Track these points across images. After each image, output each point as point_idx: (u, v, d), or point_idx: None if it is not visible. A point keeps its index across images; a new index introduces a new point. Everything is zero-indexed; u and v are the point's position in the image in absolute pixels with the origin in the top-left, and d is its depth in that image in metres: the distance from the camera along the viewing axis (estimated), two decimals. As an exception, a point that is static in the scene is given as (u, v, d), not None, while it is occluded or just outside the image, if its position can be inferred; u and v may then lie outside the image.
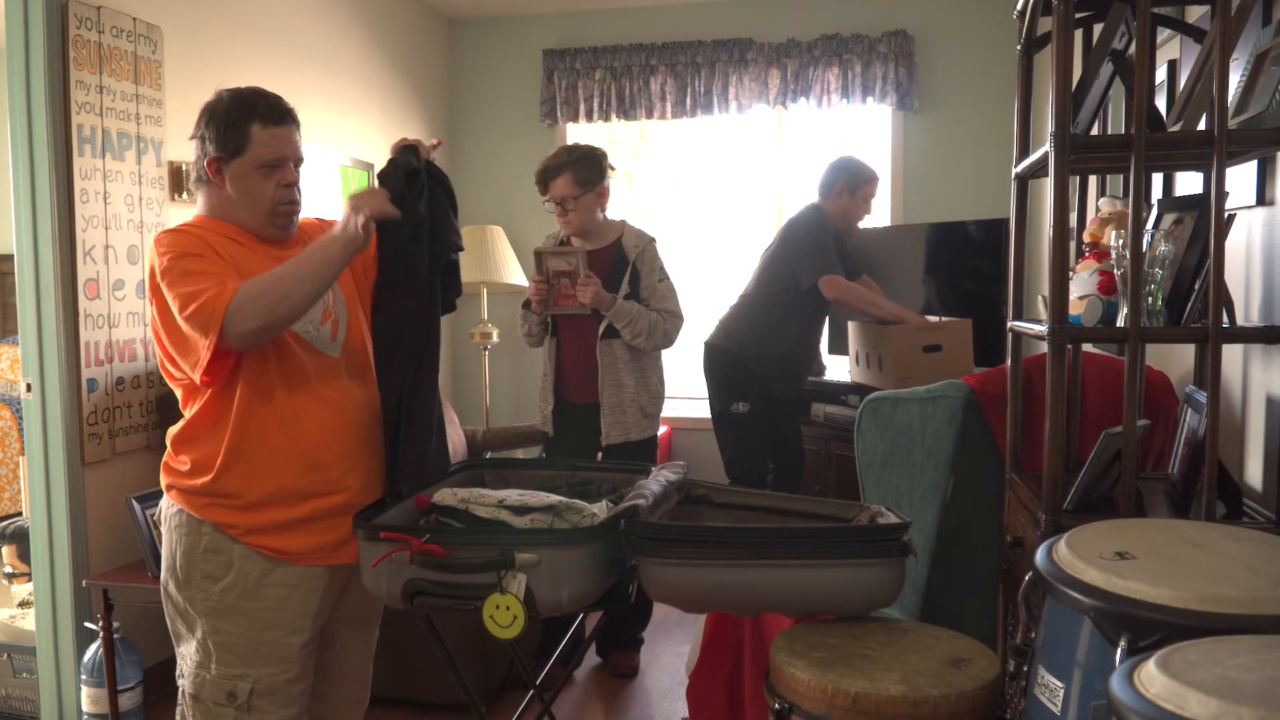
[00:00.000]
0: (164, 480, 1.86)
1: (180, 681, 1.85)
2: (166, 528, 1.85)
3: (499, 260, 4.84)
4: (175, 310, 1.70)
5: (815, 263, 3.56)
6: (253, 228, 1.84)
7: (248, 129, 1.78)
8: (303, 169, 1.89)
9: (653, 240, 3.18)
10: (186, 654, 1.84)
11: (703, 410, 4.22)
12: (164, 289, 1.71)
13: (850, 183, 3.66)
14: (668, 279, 3.17)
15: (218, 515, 1.79)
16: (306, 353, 1.83)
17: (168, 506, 1.85)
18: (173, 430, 1.86)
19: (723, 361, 3.70)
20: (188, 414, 1.83)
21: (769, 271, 3.70)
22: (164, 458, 1.87)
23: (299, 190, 1.86)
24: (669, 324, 3.11)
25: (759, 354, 3.65)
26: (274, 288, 1.68)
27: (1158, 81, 2.53)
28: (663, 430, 4.99)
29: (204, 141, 1.81)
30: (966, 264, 4.10)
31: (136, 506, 2.78)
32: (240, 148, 1.78)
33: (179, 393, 1.86)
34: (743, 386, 3.66)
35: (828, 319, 3.96)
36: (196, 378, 1.73)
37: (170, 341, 1.75)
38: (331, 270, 1.72)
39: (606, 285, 3.04)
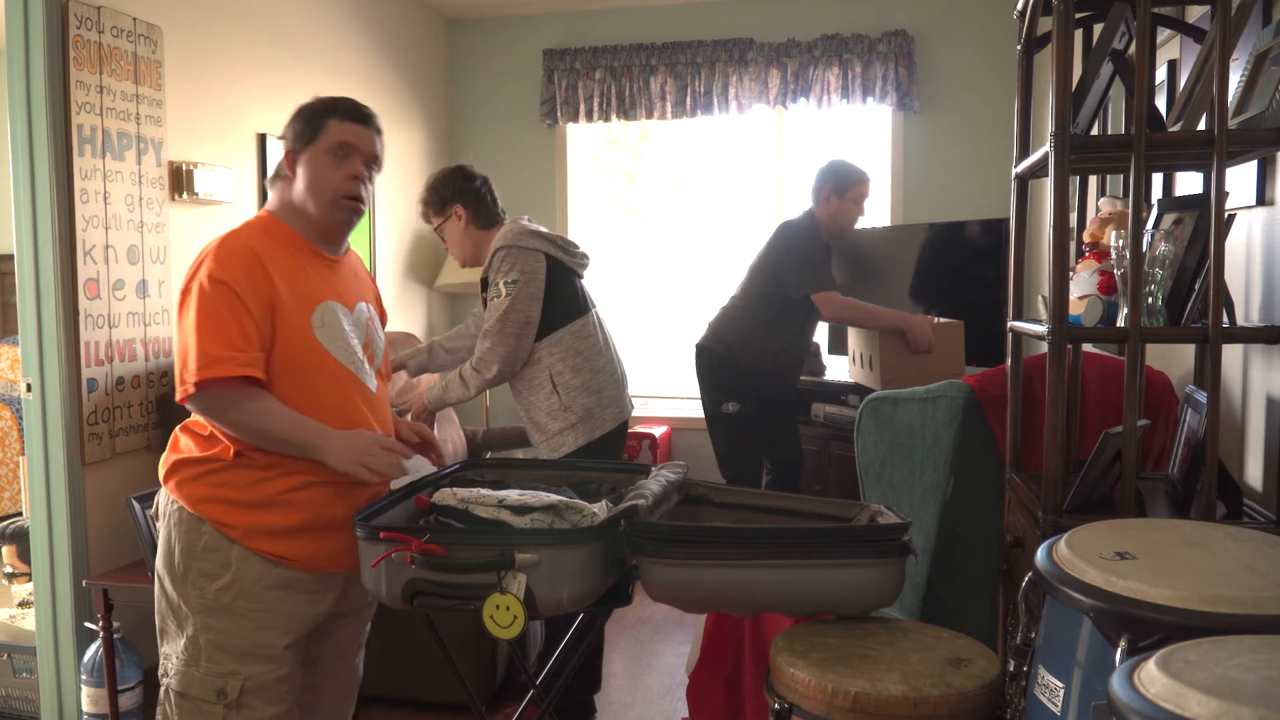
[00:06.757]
0: (163, 472, 1.87)
1: (164, 681, 1.84)
2: (165, 523, 1.85)
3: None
4: (192, 327, 1.74)
5: (808, 277, 3.54)
6: (314, 222, 1.87)
7: (325, 121, 1.86)
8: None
9: (499, 249, 2.71)
10: (172, 653, 1.83)
11: (701, 410, 4.21)
12: (193, 301, 1.75)
13: (838, 185, 3.63)
14: (500, 294, 2.69)
15: (215, 512, 1.79)
16: (349, 380, 1.87)
17: (168, 503, 1.85)
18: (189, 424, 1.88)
19: (711, 363, 3.71)
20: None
21: (757, 278, 3.69)
22: (167, 451, 1.89)
23: (367, 192, 1.89)
24: (472, 366, 2.72)
25: (746, 356, 3.65)
26: (254, 419, 1.74)
27: (1158, 81, 2.53)
28: (662, 430, 4.99)
29: (285, 140, 1.89)
30: (966, 264, 4.10)
31: (136, 506, 2.78)
32: (313, 137, 1.85)
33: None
34: (730, 386, 3.66)
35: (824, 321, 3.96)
36: (178, 391, 1.77)
37: (177, 342, 1.80)
38: (290, 450, 1.77)
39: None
